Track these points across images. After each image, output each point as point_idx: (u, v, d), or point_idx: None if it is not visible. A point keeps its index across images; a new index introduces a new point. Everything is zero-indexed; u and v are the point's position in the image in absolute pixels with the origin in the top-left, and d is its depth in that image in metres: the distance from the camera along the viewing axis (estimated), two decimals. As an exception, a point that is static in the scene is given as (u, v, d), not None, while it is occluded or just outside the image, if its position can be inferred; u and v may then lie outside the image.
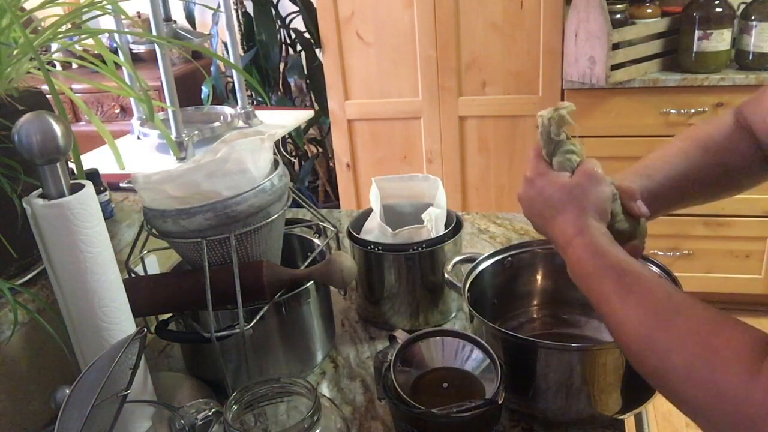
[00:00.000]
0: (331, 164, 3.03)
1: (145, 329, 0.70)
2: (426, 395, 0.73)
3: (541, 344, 0.75)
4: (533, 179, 0.75)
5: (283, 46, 2.82)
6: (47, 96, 0.83)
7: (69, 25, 0.86)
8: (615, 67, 2.10)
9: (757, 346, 0.49)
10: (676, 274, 0.82)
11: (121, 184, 1.12)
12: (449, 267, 0.92)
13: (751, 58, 2.13)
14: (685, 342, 0.53)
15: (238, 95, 1.52)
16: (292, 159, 3.08)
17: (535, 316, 0.95)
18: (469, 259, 0.93)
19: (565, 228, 0.70)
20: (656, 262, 0.85)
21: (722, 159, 0.80)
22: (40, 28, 0.85)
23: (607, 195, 0.72)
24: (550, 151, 0.74)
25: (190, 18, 2.87)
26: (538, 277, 0.95)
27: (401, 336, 0.78)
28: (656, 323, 0.57)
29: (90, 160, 1.27)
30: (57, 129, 0.65)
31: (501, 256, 0.92)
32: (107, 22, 1.52)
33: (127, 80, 1.18)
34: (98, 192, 0.86)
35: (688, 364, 0.52)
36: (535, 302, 0.95)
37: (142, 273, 0.91)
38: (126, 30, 1.52)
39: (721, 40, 2.11)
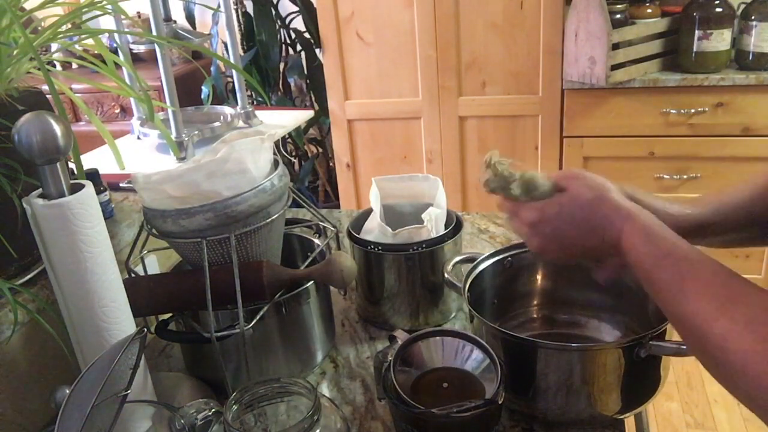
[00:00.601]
0: (331, 164, 3.03)
1: (145, 329, 0.70)
2: (426, 395, 0.73)
3: (541, 344, 0.75)
4: (541, 219, 0.70)
5: (283, 46, 2.82)
6: (47, 96, 0.83)
7: (69, 25, 0.86)
8: (615, 67, 2.10)
9: None
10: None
11: (121, 184, 1.12)
12: (449, 267, 0.92)
13: (751, 58, 2.13)
14: (741, 333, 0.52)
15: (238, 95, 1.52)
16: (292, 159, 3.08)
17: (535, 316, 0.95)
18: (469, 259, 0.93)
19: (610, 225, 0.67)
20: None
21: None
22: (40, 28, 0.85)
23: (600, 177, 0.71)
24: (523, 193, 0.72)
25: (190, 18, 2.87)
26: (538, 277, 0.95)
27: (401, 336, 0.78)
28: (712, 313, 0.55)
29: (90, 160, 1.27)
30: (57, 129, 0.65)
31: (501, 256, 0.92)
32: (107, 22, 1.52)
33: (127, 80, 1.18)
34: (98, 192, 0.86)
35: (744, 356, 0.51)
36: (535, 302, 0.95)
37: (142, 273, 0.91)
38: (126, 30, 1.52)
39: (721, 40, 2.11)
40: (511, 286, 0.94)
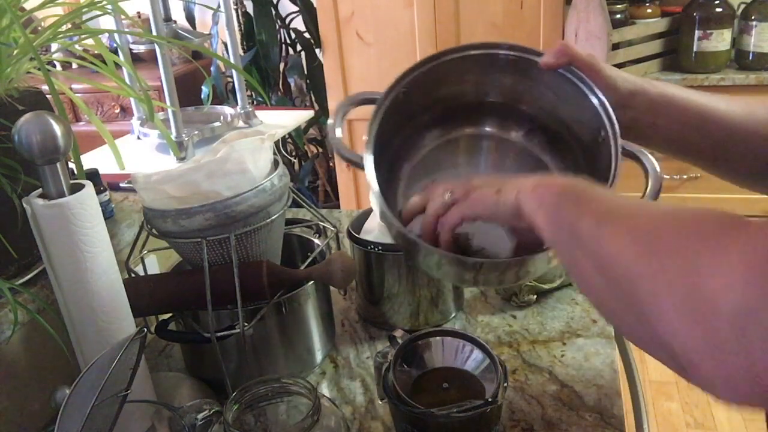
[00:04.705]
0: (331, 164, 3.03)
1: (145, 329, 0.70)
2: (426, 395, 0.73)
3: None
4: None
5: (283, 46, 2.82)
6: (47, 96, 0.83)
7: (69, 25, 0.86)
8: (615, 67, 2.10)
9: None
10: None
11: (121, 184, 1.12)
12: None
13: (751, 58, 2.13)
14: (672, 277, 0.42)
15: (238, 95, 1.52)
16: (292, 159, 3.08)
17: None
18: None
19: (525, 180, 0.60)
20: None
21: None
22: (40, 28, 0.85)
23: None
24: None
25: (190, 18, 2.87)
26: None
27: (401, 336, 0.78)
28: (636, 255, 0.44)
29: (90, 160, 1.27)
30: (57, 129, 0.65)
31: None
32: (107, 22, 1.52)
33: (127, 80, 1.18)
34: (98, 192, 0.86)
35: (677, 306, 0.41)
36: None
37: (142, 273, 0.91)
38: (126, 30, 1.52)
39: (721, 40, 2.11)
40: None
